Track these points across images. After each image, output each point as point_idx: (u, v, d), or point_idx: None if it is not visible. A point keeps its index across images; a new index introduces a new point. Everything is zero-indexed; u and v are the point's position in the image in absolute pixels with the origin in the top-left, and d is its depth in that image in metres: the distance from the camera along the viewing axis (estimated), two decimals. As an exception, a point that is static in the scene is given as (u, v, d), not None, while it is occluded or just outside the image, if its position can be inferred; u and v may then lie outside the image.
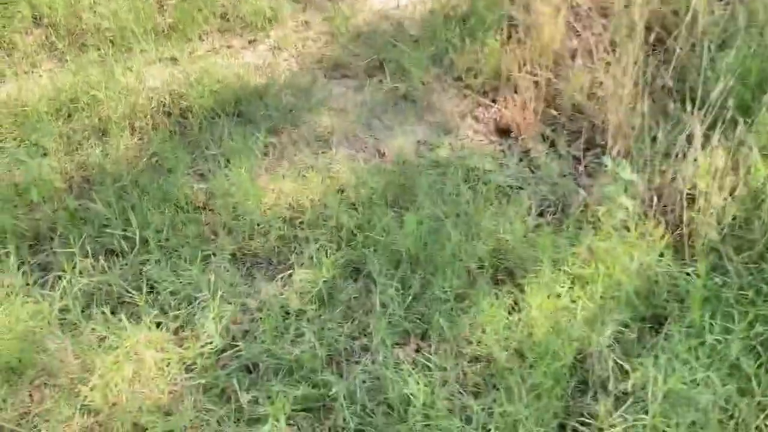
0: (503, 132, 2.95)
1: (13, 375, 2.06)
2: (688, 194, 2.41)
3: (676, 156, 2.51)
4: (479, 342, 2.10)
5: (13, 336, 2.11)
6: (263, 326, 2.13)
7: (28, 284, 2.30)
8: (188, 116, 2.93)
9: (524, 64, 3.01)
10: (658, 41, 2.97)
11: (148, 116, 2.92)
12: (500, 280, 2.30)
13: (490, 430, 1.89)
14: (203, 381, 2.02)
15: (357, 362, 2.09)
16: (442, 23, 3.30)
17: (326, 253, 2.33)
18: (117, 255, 2.40)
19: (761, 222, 2.30)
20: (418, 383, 1.95)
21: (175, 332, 2.17)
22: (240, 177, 2.56)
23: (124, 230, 2.44)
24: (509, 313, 2.17)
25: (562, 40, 3.16)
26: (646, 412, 1.87)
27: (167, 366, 2.07)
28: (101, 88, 2.96)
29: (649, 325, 2.15)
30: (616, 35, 2.91)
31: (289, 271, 2.32)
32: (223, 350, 2.13)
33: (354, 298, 2.25)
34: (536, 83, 2.96)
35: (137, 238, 2.39)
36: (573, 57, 3.07)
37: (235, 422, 1.96)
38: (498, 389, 1.98)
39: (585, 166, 2.77)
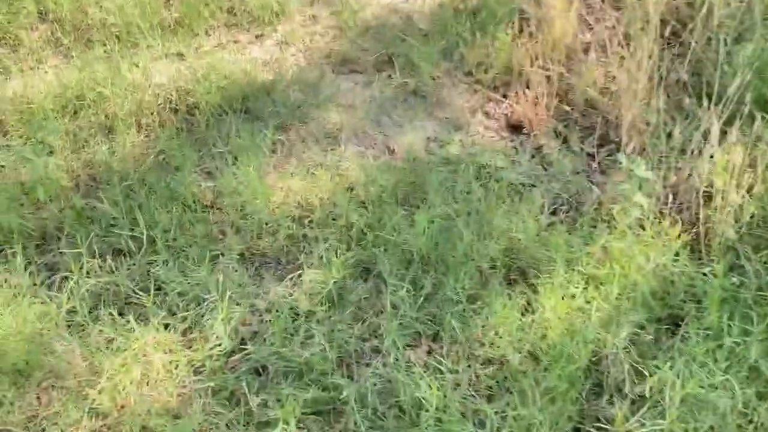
0: (515, 128, 2.90)
1: (21, 377, 2.04)
2: (704, 192, 2.37)
3: (692, 153, 2.47)
4: (492, 344, 2.06)
5: (20, 338, 2.08)
6: (272, 328, 2.10)
7: (35, 284, 2.28)
8: (195, 113, 2.90)
9: (536, 59, 2.96)
10: (672, 34, 2.91)
11: (155, 113, 2.88)
12: (513, 280, 2.27)
13: (503, 434, 1.86)
14: (212, 384, 1.99)
15: (368, 364, 2.05)
16: (452, 17, 3.25)
17: (336, 253, 2.30)
18: (124, 255, 2.37)
19: (780, 220, 2.26)
20: (430, 386, 1.92)
21: (184, 333, 2.14)
22: (248, 175, 2.53)
23: (132, 229, 2.42)
24: (522, 314, 2.13)
25: (575, 33, 3.10)
26: (663, 417, 1.83)
27: (176, 368, 2.04)
28: (107, 85, 2.92)
29: (666, 327, 2.11)
30: (630, 28, 2.86)
31: (298, 272, 2.28)
32: (232, 352, 2.10)
33: (364, 298, 2.22)
34: (548, 78, 2.91)
35: (144, 237, 2.36)
36: (586, 51, 3.01)
37: (244, 426, 1.93)
38: (511, 392, 1.94)
39: (598, 163, 2.72)
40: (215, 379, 2.01)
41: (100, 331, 2.11)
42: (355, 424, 1.91)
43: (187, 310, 2.18)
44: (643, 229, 2.32)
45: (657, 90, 2.61)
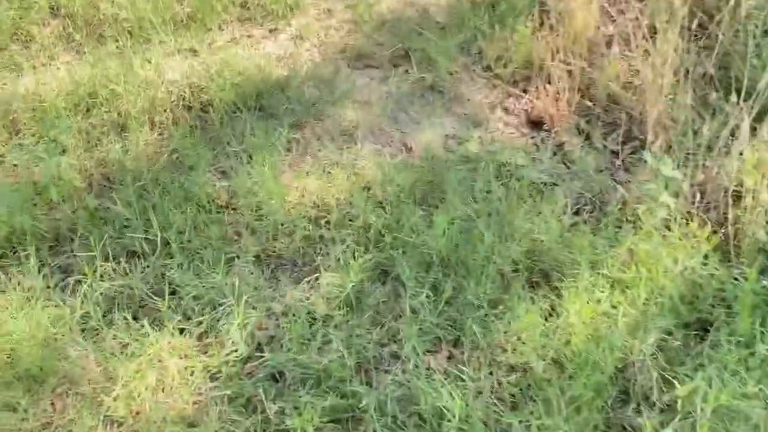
0: (535, 124, 2.83)
1: (35, 383, 2.01)
2: (733, 191, 2.29)
3: (720, 150, 2.39)
4: (515, 350, 2.00)
5: (34, 342, 2.05)
6: (289, 333, 2.06)
7: (48, 287, 2.25)
8: (209, 110, 2.85)
9: (557, 52, 2.88)
10: (698, 27, 2.81)
11: (168, 110, 2.84)
12: (535, 283, 2.20)
13: (527, 444, 1.81)
14: (228, 392, 1.95)
15: (387, 371, 2.00)
16: (470, 9, 3.18)
17: (353, 255, 2.24)
18: (138, 257, 2.33)
19: (814, 221, 2.18)
20: (451, 395, 1.87)
21: (199, 338, 2.10)
22: (263, 175, 2.48)
23: (146, 231, 2.38)
24: (545, 318, 2.07)
25: (597, 26, 3.02)
26: (694, 428, 1.77)
27: (191, 374, 2.00)
28: (120, 82, 2.88)
29: (694, 332, 2.04)
30: (655, 20, 2.77)
31: (315, 274, 2.24)
32: (249, 357, 2.06)
33: (382, 302, 2.16)
34: (569, 72, 2.83)
35: (158, 239, 2.32)
36: (608, 44, 2.92)
37: (261, 434, 1.90)
38: (535, 401, 1.89)
39: (622, 161, 2.65)
40: (231, 386, 1.97)
41: (114, 336, 2.08)
42: (375, 432, 1.86)
43: (203, 315, 2.14)
44: (670, 230, 2.25)
45: (684, 85, 2.53)
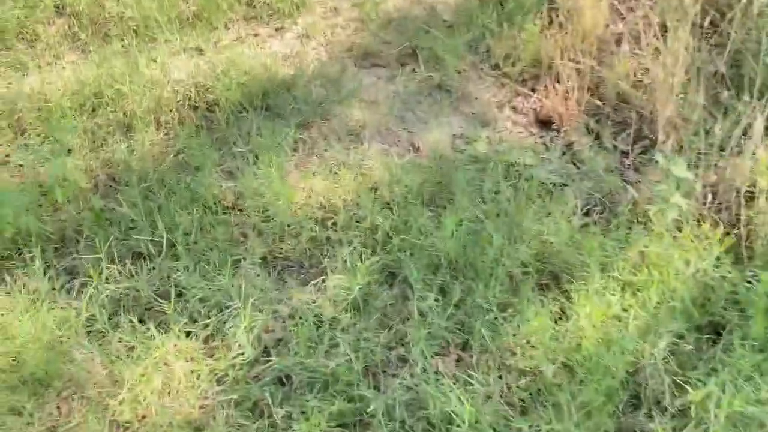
0: (544, 123, 2.80)
1: (40, 387, 1.99)
2: (746, 192, 2.26)
3: (732, 150, 2.36)
4: (524, 354, 1.98)
5: (39, 346, 2.04)
6: (296, 337, 2.04)
7: (54, 289, 2.23)
8: (215, 110, 2.83)
9: (566, 51, 2.85)
10: (710, 24, 2.77)
11: (174, 110, 2.82)
12: (544, 285, 2.18)
13: (537, 450, 1.79)
14: (235, 396, 1.93)
15: (394, 375, 1.98)
16: (477, 7, 3.15)
17: (360, 257, 2.22)
18: (144, 258, 2.32)
19: (828, 223, 2.14)
20: (460, 399, 1.85)
21: (205, 341, 2.09)
22: (270, 175, 2.45)
23: (152, 232, 2.36)
24: (555, 322, 2.05)
25: (606, 24, 2.99)
26: (707, 434, 1.75)
27: (197, 378, 1.98)
28: (125, 81, 2.86)
29: (706, 336, 2.01)
30: (666, 18, 2.73)
31: (322, 277, 2.21)
32: (255, 360, 2.04)
33: (390, 305, 2.14)
34: (579, 71, 2.80)
35: (164, 241, 2.30)
36: (618, 42, 2.89)
37: (268, 438, 1.88)
38: (545, 406, 1.86)
39: (632, 161, 2.61)
40: (238, 390, 1.96)
41: (120, 339, 2.06)
42: (383, 437, 1.84)
43: (209, 317, 2.12)
44: (681, 231, 2.22)
45: (696, 84, 2.49)
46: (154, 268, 2.27)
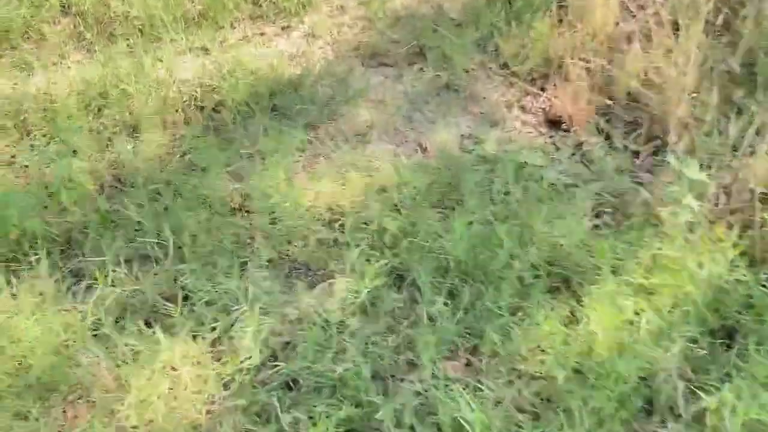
0: (553, 123, 2.76)
1: (46, 391, 1.98)
2: (761, 193, 2.22)
3: (745, 150, 2.32)
4: (535, 359, 1.95)
5: (45, 349, 2.02)
6: (304, 340, 2.01)
7: (60, 291, 2.21)
8: (221, 110, 2.80)
9: (575, 49, 2.81)
10: (723, 22, 2.73)
11: (180, 110, 2.80)
12: (555, 287, 2.15)
13: (549, 456, 1.76)
14: (243, 401, 1.91)
15: (403, 380, 1.96)
16: (485, 5, 3.11)
17: (368, 260, 2.20)
18: (151, 261, 2.30)
19: None
20: (470, 405, 1.82)
21: (212, 345, 2.06)
22: (277, 177, 2.43)
23: (158, 234, 2.34)
24: (566, 326, 2.02)
25: (616, 22, 2.95)
26: (722, 442, 1.72)
27: (204, 383, 1.96)
28: (131, 82, 2.84)
29: (720, 340, 1.98)
30: (678, 16, 2.70)
31: (329, 279, 2.19)
32: (262, 364, 2.02)
33: (398, 308, 2.12)
34: (588, 70, 2.77)
35: (171, 243, 2.28)
36: (628, 41, 2.85)
37: (276, 444, 1.86)
38: (557, 412, 1.84)
39: (643, 161, 2.58)
40: (245, 395, 1.93)
41: (126, 343, 2.04)
42: (392, 444, 1.82)
43: (216, 321, 2.10)
44: (692, 232, 2.19)
45: (708, 83, 2.46)
46: (160, 271, 2.25)
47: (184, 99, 2.83)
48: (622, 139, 2.65)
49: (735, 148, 2.37)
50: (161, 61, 2.99)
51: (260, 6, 3.28)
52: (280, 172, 2.45)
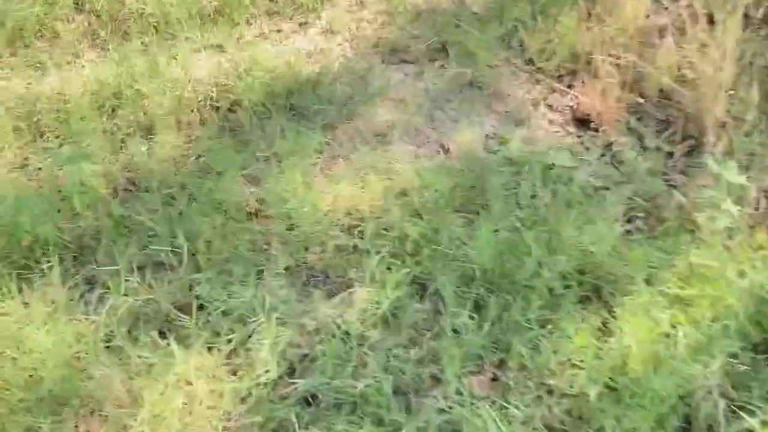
0: (582, 122, 2.65)
1: (58, 405, 1.92)
2: (804, 198, 2.11)
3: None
4: (565, 374, 1.85)
5: (57, 362, 1.96)
6: (323, 354, 1.93)
7: (72, 300, 2.15)
8: (237, 111, 2.72)
9: (604, 44, 2.70)
10: (763, 15, 2.60)
11: (195, 111, 2.72)
12: (585, 297, 2.05)
13: (582, 480, 1.67)
14: (259, 417, 1.84)
15: (426, 395, 1.87)
16: (510, -1, 3.00)
17: (389, 268, 2.11)
18: (165, 268, 2.23)
19: None
20: (497, 423, 1.73)
21: (228, 357, 1.99)
22: (294, 180, 2.35)
23: (174, 238, 2.27)
24: (597, 338, 1.92)
25: (647, 15, 2.83)
26: (768, 467, 1.61)
27: (220, 397, 1.89)
28: (145, 81, 2.77)
29: (763, 355, 1.87)
30: (713, 8, 2.57)
31: (348, 288, 2.11)
32: (280, 377, 1.94)
33: (422, 319, 2.03)
34: (618, 66, 2.65)
35: (185, 250, 2.21)
36: (661, 34, 2.73)
37: (294, 464, 1.78)
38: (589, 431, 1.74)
39: (677, 162, 2.46)
40: (262, 411, 1.86)
41: (140, 355, 1.97)
42: (415, 464, 1.74)
43: (232, 331, 2.02)
44: (731, 238, 2.08)
45: (748, 79, 2.33)
46: (175, 279, 2.18)
47: (199, 99, 2.75)
48: (654, 138, 2.53)
49: (775, 149, 2.25)
50: (176, 59, 2.92)
51: (277, 2, 3.19)
52: (298, 175, 2.37)
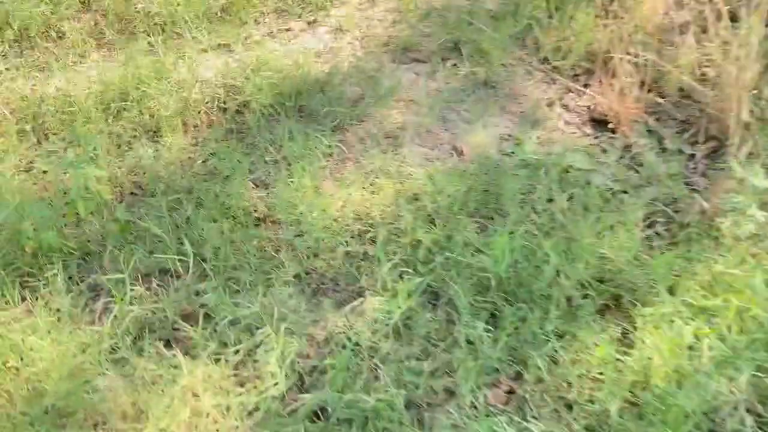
0: (599, 123, 2.57)
1: (61, 418, 1.87)
2: (833, 203, 2.02)
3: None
4: (584, 387, 1.78)
5: (61, 373, 1.91)
6: (333, 366, 1.87)
7: (76, 308, 2.10)
8: (245, 112, 2.67)
9: (622, 42, 2.61)
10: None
11: (202, 112, 2.67)
12: (604, 307, 1.97)
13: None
14: (267, 431, 1.78)
15: (440, 409, 1.81)
16: (524, -4, 2.93)
17: (401, 276, 2.05)
18: (171, 276, 2.17)
19: None
20: (514, 441, 1.67)
21: (235, 368, 1.93)
22: (303, 185, 2.29)
23: (181, 244, 2.21)
24: (618, 350, 1.84)
25: (666, 12, 2.74)
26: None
27: (227, 410, 1.83)
28: (151, 82, 2.71)
29: (791, 369, 1.79)
30: (736, 4, 2.48)
31: (359, 297, 2.04)
32: (289, 390, 1.89)
33: (434, 329, 1.96)
34: (636, 64, 2.57)
35: (191, 257, 2.15)
36: (681, 32, 2.64)
37: (303, 481, 1.72)
38: (610, 450, 1.67)
39: (698, 165, 2.38)
40: (270, 425, 1.80)
41: (145, 367, 1.92)
42: (429, 482, 1.68)
43: (239, 342, 1.96)
44: (757, 246, 2.00)
45: (772, 80, 2.25)
46: (181, 287, 2.13)
47: (207, 100, 2.70)
48: (675, 140, 2.46)
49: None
50: (183, 59, 2.86)
51: (285, 0, 3.13)
52: (307, 179, 2.31)
